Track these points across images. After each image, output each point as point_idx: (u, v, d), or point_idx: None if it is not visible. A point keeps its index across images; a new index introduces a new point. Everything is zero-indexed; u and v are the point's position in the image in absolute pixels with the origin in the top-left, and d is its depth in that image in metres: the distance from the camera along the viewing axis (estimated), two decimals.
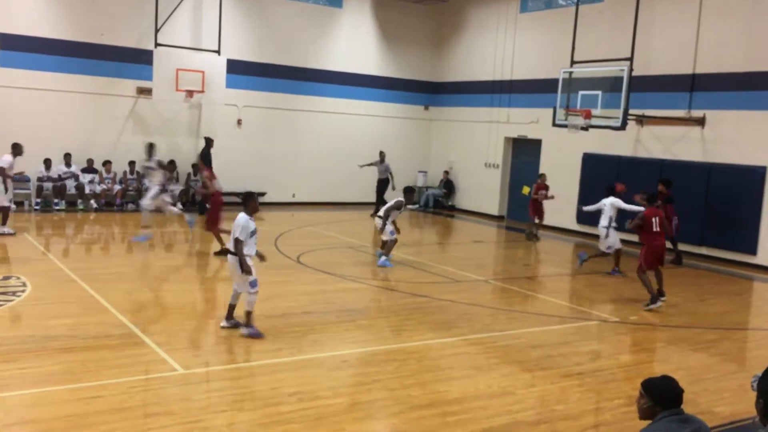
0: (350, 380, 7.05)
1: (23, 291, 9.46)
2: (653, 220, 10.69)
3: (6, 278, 10.05)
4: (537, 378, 7.34)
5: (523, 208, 20.21)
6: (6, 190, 13.75)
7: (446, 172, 23.06)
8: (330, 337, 8.44)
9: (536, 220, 16.98)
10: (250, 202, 8.14)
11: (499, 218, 21.36)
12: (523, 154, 20.94)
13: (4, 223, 13.76)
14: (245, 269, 7.89)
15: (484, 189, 21.88)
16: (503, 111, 21.13)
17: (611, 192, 13.48)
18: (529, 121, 20.10)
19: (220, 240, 12.67)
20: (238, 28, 19.89)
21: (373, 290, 11.07)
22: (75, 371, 6.68)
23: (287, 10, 20.73)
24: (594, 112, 15.18)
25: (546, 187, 16.97)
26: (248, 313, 8.05)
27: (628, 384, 7.25)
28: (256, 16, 20.31)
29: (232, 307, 8.30)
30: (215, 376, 6.99)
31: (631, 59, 14.58)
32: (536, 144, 20.11)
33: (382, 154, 20.57)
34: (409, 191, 13.65)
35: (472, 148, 22.27)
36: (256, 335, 7.98)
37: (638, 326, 9.71)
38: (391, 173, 20.44)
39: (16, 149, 14.03)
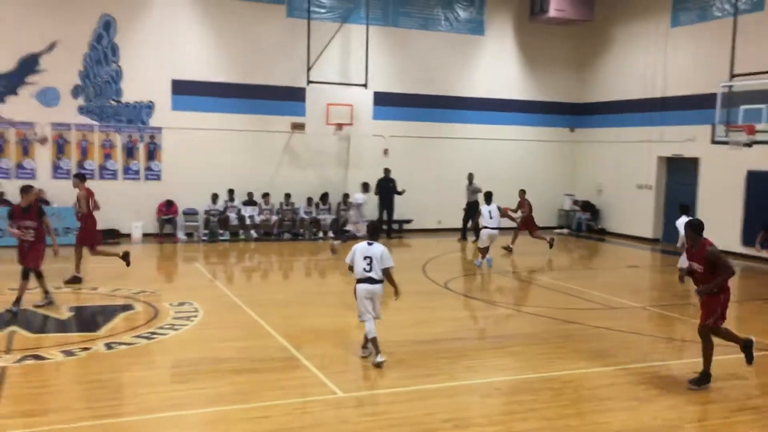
0: (504, 408, 7.02)
1: (196, 316, 10.25)
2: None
3: (181, 304, 10.93)
4: (705, 411, 6.95)
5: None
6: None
7: (575, 202, 22.64)
8: (481, 364, 8.44)
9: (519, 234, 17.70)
10: (379, 232, 8.75)
11: (654, 241, 20.39)
12: (679, 173, 19.92)
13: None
14: (398, 292, 8.25)
15: (636, 211, 21.01)
16: (655, 129, 20.27)
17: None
18: (684, 138, 19.14)
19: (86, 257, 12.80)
20: (383, 62, 20.56)
21: (524, 316, 10.94)
22: (245, 392, 7.15)
23: (430, 41, 21.18)
24: (758, 126, 14.25)
25: (523, 204, 17.82)
26: (375, 338, 8.26)
27: None
28: (401, 49, 20.91)
29: (375, 339, 8.28)
30: (371, 401, 7.20)
31: None
32: (693, 163, 19.08)
33: (470, 176, 20.13)
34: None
35: (622, 169, 21.49)
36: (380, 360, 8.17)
37: None
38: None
39: (366, 188, 16.95)
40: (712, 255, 7.49)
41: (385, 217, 19.87)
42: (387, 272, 8.19)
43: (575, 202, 22.72)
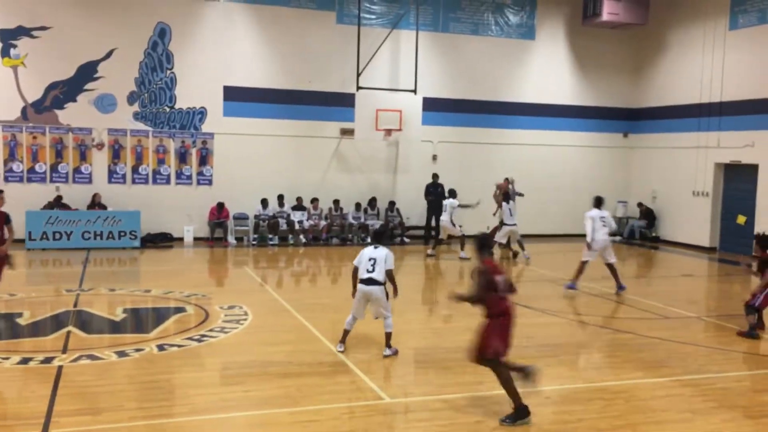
0: (554, 417, 6.90)
1: (246, 319, 10.38)
2: None
3: (231, 307, 11.08)
4: (764, 425, 6.70)
5: (737, 239, 18.66)
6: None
7: (639, 204, 21.97)
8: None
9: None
10: (385, 236, 9.29)
11: (711, 250, 19.82)
12: (737, 180, 19.33)
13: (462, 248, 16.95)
14: (397, 293, 8.75)
15: (692, 219, 20.45)
16: (712, 135, 19.72)
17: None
18: (743, 144, 18.57)
19: None
20: (432, 67, 20.52)
21: (574, 325, 10.75)
22: (293, 396, 7.19)
23: (480, 46, 21.06)
24: None
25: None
26: (390, 335, 8.79)
27: None
28: (450, 55, 20.84)
29: (347, 333, 8.87)
30: (418, 407, 7.15)
31: None
32: (752, 169, 18.49)
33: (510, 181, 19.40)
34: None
35: (677, 175, 20.96)
36: (396, 352, 8.76)
37: None
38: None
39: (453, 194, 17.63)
40: (474, 272, 6.83)
41: (433, 222, 19.79)
42: (389, 273, 8.61)
43: (639, 206, 22.11)
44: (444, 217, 17.43)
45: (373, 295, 8.61)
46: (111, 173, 18.30)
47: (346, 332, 8.87)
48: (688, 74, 20.62)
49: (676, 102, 21.10)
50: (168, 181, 18.76)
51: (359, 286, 8.66)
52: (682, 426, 6.60)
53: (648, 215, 21.86)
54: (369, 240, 19.35)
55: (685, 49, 20.73)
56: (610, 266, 13.28)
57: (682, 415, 6.91)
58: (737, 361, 8.94)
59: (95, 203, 17.68)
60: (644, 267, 18.29)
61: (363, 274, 8.60)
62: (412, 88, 19.58)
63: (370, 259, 8.60)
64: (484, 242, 7.01)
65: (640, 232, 21.78)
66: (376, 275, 8.53)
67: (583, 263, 13.22)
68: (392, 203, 20.12)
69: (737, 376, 8.27)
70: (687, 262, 18.21)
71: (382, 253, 8.62)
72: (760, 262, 10.30)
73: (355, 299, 8.74)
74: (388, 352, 8.77)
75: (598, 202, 13.50)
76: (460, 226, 17.32)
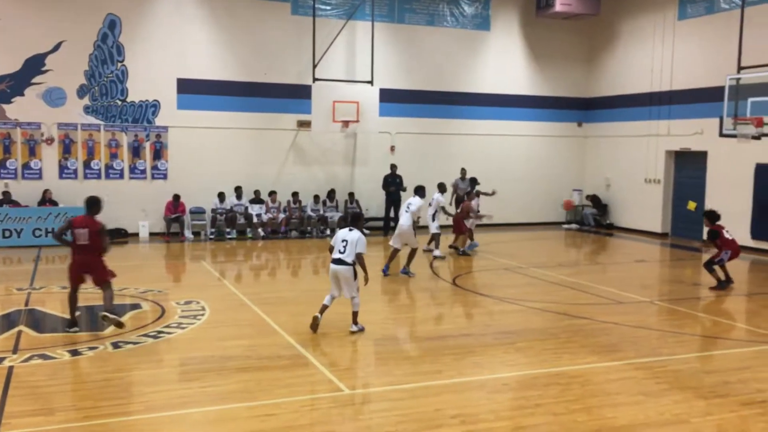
0: (512, 404, 7.00)
1: (203, 315, 10.26)
2: None
3: (188, 303, 10.94)
4: (713, 406, 6.90)
5: (688, 224, 19.14)
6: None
7: (588, 197, 22.47)
8: (489, 360, 8.42)
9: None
10: (360, 221, 9.87)
11: (663, 236, 20.29)
12: (687, 167, 19.81)
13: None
14: (367, 279, 9.25)
15: (644, 205, 20.91)
16: (663, 123, 20.16)
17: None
18: (692, 132, 19.03)
19: None
20: (389, 58, 20.51)
21: (531, 312, 10.90)
22: (251, 390, 7.14)
23: (436, 37, 21.12)
24: (766, 119, 14.12)
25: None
26: (357, 313, 9.30)
27: None
28: (406, 46, 20.85)
29: (326, 307, 9.29)
30: (378, 397, 7.18)
31: None
32: (701, 156, 18.96)
33: (463, 171, 19.59)
34: (419, 189, 14.26)
35: (630, 163, 21.39)
36: (363, 329, 9.31)
37: None
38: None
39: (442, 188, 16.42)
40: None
41: (392, 213, 19.83)
42: (359, 257, 9.06)
43: (587, 197, 22.60)
44: (405, 221, 13.63)
45: (341, 274, 9.09)
46: (62, 168, 17.89)
47: (324, 306, 9.30)
48: (639, 64, 21.02)
49: (627, 91, 21.50)
50: (121, 176, 18.42)
51: (331, 265, 9.20)
52: (635, 408, 6.75)
53: (597, 203, 22.27)
54: (329, 231, 19.33)
55: (636, 39, 21.12)
56: (396, 251, 13.59)
57: (634, 397, 7.07)
58: (688, 344, 9.17)
59: (46, 199, 17.27)
60: (598, 254, 18.63)
61: (335, 254, 9.14)
62: (369, 79, 19.55)
63: (343, 241, 9.12)
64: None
65: (595, 220, 22.17)
66: (345, 256, 9.05)
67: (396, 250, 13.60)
68: (351, 195, 20.10)
69: (688, 358, 8.49)
70: (640, 248, 18.60)
71: (354, 236, 9.14)
72: (709, 233, 12.86)
73: (329, 278, 9.31)
74: (354, 328, 9.26)
75: (422, 191, 14.25)
76: (448, 220, 16.88)
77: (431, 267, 14.57)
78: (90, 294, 11.75)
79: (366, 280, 9.30)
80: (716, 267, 12.67)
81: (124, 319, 9.98)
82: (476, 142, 21.65)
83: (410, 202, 13.92)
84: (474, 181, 17.75)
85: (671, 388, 7.37)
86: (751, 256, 16.47)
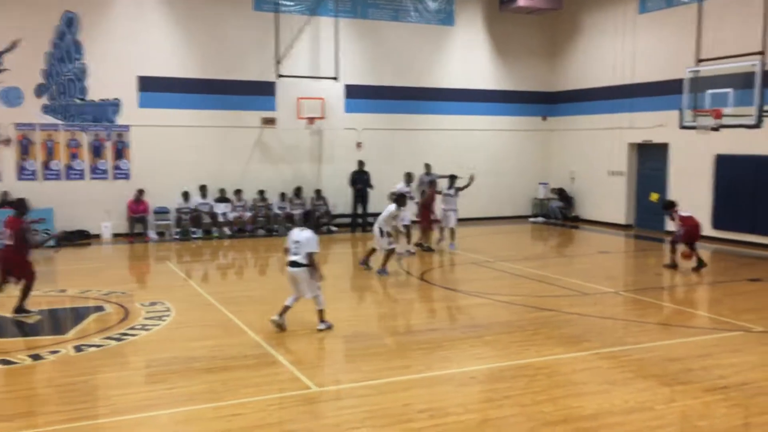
0: (480, 396, 7.03)
1: (168, 315, 10.12)
2: None
3: (152, 304, 10.79)
4: (677, 393, 7.01)
5: (651, 215, 19.43)
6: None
7: (553, 190, 22.72)
8: (457, 354, 8.44)
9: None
10: (312, 219, 10.25)
11: (627, 227, 20.58)
12: (650, 159, 20.10)
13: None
14: (321, 277, 9.06)
15: (608, 197, 21.18)
16: (625, 116, 20.42)
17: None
18: (654, 125, 19.31)
19: None
20: (353, 54, 20.43)
21: (498, 305, 10.97)
22: (217, 390, 7.06)
23: (400, 32, 21.10)
24: (725, 111, 14.41)
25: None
26: (323, 311, 9.17)
27: None
28: (371, 41, 20.80)
29: (287, 308, 9.11)
30: (347, 394, 7.15)
31: (763, 53, 13.74)
32: (663, 148, 19.26)
33: (427, 167, 18.20)
34: (399, 197, 13.52)
35: (594, 156, 21.64)
36: (331, 326, 9.19)
37: None
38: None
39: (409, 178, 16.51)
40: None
41: (359, 210, 19.78)
42: (310, 256, 8.80)
43: (552, 190, 22.81)
44: (375, 226, 13.54)
45: (297, 276, 8.93)
46: (20, 170, 17.49)
47: (285, 307, 9.10)
48: (601, 57, 21.26)
49: (591, 85, 21.74)
50: (82, 176, 18.07)
51: (287, 268, 9.02)
52: (600, 397, 6.83)
53: (563, 196, 22.51)
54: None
55: (599, 33, 21.36)
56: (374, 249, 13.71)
57: (600, 386, 7.15)
58: (652, 333, 9.31)
59: (4, 201, 16.87)
60: (564, 246, 18.83)
61: (290, 256, 8.93)
62: (334, 75, 19.46)
63: (295, 242, 8.90)
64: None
65: (561, 212, 22.39)
66: (299, 258, 8.84)
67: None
68: (318, 191, 19.99)
69: (651, 346, 8.60)
70: (604, 240, 18.84)
71: (304, 235, 8.88)
72: (663, 207, 14.72)
73: (288, 280, 9.14)
74: (321, 326, 9.12)
75: (402, 199, 13.72)
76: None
77: (399, 263, 14.58)
78: (53, 297, 11.51)
79: (320, 278, 9.04)
80: (681, 248, 13.60)
81: (87, 321, 9.81)
82: (442, 137, 21.71)
83: (387, 208, 13.44)
84: (453, 178, 16.72)
85: (636, 376, 7.47)
86: (712, 245, 16.78)
